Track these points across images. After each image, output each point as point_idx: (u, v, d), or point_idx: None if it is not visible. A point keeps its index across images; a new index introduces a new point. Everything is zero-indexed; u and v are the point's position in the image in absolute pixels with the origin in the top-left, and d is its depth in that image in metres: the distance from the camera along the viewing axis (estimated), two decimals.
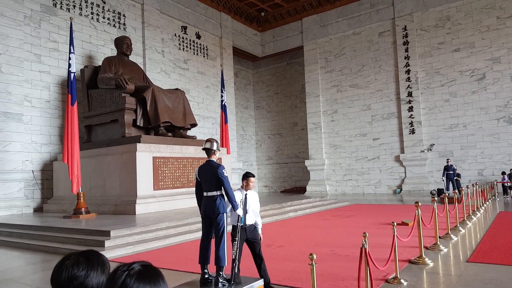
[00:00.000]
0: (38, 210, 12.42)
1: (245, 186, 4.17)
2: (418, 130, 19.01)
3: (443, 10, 18.78)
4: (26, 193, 12.31)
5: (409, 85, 19.33)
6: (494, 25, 17.58)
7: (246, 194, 4.13)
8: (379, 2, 20.32)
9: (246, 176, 4.15)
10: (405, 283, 4.37)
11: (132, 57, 14.56)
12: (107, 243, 6.88)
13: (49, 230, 8.21)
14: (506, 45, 17.28)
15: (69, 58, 10.40)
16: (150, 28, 17.00)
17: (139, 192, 10.25)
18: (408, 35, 19.45)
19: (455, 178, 16.04)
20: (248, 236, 4.12)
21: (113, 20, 15.62)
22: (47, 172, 12.81)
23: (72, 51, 10.44)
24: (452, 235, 7.10)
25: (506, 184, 15.25)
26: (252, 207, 4.16)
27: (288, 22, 23.51)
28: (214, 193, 4.19)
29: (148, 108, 11.59)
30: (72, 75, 10.28)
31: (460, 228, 7.93)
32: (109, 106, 12.01)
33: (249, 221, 4.12)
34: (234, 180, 18.83)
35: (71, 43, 10.53)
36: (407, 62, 19.42)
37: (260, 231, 4.30)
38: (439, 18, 18.87)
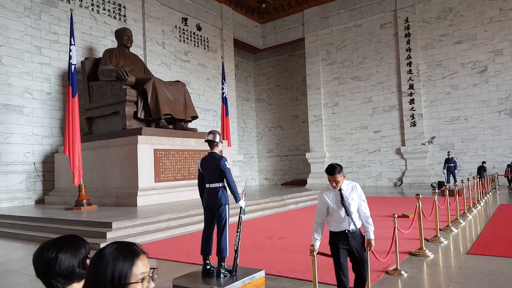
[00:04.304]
0: (40, 202, 12.48)
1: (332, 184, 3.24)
2: (419, 122, 18.98)
3: (445, 1, 18.61)
4: (28, 185, 12.35)
5: (410, 77, 19.24)
6: (496, 17, 17.43)
7: (341, 191, 3.19)
8: None
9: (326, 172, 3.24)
10: (405, 275, 4.40)
11: (132, 49, 14.49)
12: (109, 235, 6.92)
13: (51, 222, 8.26)
14: (508, 37, 17.16)
15: (70, 50, 10.36)
16: (150, 20, 16.89)
17: (141, 184, 10.28)
18: (410, 27, 19.31)
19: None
20: (353, 247, 3.17)
21: (114, 11, 15.52)
22: (48, 164, 12.84)
23: (72, 43, 10.39)
24: (452, 228, 7.14)
25: (509, 177, 15.29)
26: (353, 205, 3.21)
27: (289, 13, 23.33)
28: (217, 184, 4.20)
29: (149, 100, 11.57)
30: (72, 67, 10.25)
31: (460, 220, 7.96)
32: (110, 98, 11.98)
33: (352, 224, 3.19)
34: (234, 172, 18.89)
35: (72, 34, 10.47)
36: (409, 54, 19.31)
37: (371, 236, 3.28)
38: (441, 10, 18.71)
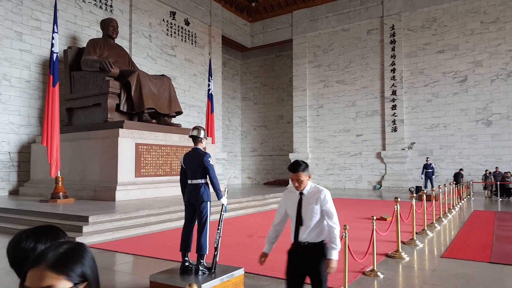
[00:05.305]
0: (14, 193, 12.11)
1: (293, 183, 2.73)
2: (400, 128, 19.36)
3: (430, 11, 19.04)
4: (2, 175, 11.96)
5: (393, 83, 19.61)
6: (478, 29, 17.96)
7: (301, 194, 2.69)
8: (369, 0, 20.44)
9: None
10: (381, 276, 4.48)
11: (118, 41, 14.22)
12: (85, 229, 6.78)
13: (25, 214, 8.03)
14: (488, 50, 17.71)
15: (52, 38, 10.07)
16: (138, 12, 16.63)
17: (120, 178, 10.10)
18: (395, 34, 19.67)
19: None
20: (304, 266, 2.65)
21: (100, 1, 15.19)
22: (24, 154, 12.47)
23: (55, 30, 10.11)
24: (428, 231, 7.31)
25: (485, 185, 15.80)
26: (311, 214, 2.64)
27: (278, 14, 23.39)
28: (199, 181, 4.16)
29: (132, 93, 11.39)
30: (54, 55, 9.97)
31: (436, 224, 8.17)
32: (92, 89, 11.73)
33: (305, 237, 2.65)
34: (217, 170, 18.74)
35: (55, 22, 10.19)
36: (393, 61, 19.66)
37: (333, 256, 2.59)
38: (426, 19, 19.13)
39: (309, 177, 2.72)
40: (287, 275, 2.70)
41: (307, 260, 2.62)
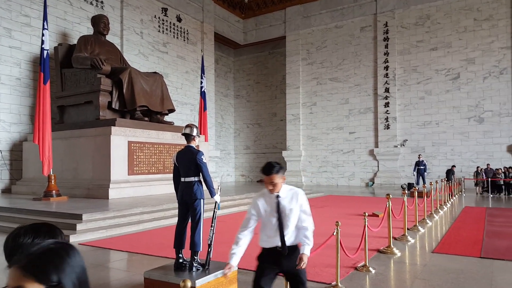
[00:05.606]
0: (6, 191, 12.00)
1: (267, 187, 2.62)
2: (393, 125, 19.50)
3: (423, 8, 19.16)
4: None
5: (386, 81, 19.72)
6: (471, 27, 18.11)
7: (278, 197, 2.57)
8: None
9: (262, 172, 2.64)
10: (373, 271, 4.52)
11: (109, 37, 14.10)
12: (79, 227, 6.75)
13: (18, 212, 7.97)
14: (480, 47, 17.87)
15: (42, 35, 9.96)
16: (129, 8, 16.49)
17: (113, 176, 10.06)
18: (388, 31, 19.76)
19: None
20: (285, 268, 2.56)
21: None
22: (16, 153, 12.34)
23: (45, 27, 9.99)
24: (419, 227, 7.39)
25: (476, 181, 15.98)
26: (292, 217, 2.56)
27: (271, 10, 23.37)
28: (192, 178, 4.17)
29: (124, 90, 11.31)
30: (45, 52, 9.86)
31: (427, 220, 8.26)
32: (83, 86, 11.63)
33: (290, 238, 2.58)
34: (210, 168, 18.72)
35: (45, 18, 10.06)
36: (386, 58, 19.77)
37: (306, 251, 2.53)
38: (419, 16, 19.25)
39: (284, 179, 2.58)
40: (257, 283, 2.52)
41: (290, 262, 2.52)
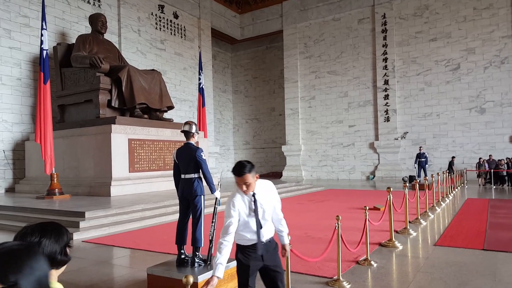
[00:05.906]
0: (10, 190, 12.08)
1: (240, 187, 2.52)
2: (393, 118, 19.45)
3: None
4: None
5: (386, 73, 19.65)
6: (470, 16, 17.97)
7: (254, 196, 2.51)
8: None
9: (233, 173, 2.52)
10: (375, 265, 4.54)
11: (107, 36, 14.07)
12: (82, 224, 6.79)
13: (22, 211, 8.03)
14: (481, 36, 17.74)
15: (41, 35, 9.98)
16: (126, 6, 16.43)
17: (114, 174, 10.09)
18: (387, 23, 19.65)
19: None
20: (266, 262, 2.55)
21: None
22: (18, 152, 12.39)
23: (44, 27, 9.99)
24: (421, 220, 7.40)
25: (478, 173, 15.92)
26: (267, 212, 2.56)
27: (268, 5, 23.24)
28: (192, 175, 4.19)
29: (123, 88, 11.31)
30: (44, 52, 9.87)
31: (429, 213, 8.26)
32: (83, 85, 11.63)
33: (266, 235, 2.57)
34: (210, 164, 18.79)
35: (43, 18, 10.06)
36: (385, 50, 19.68)
37: (286, 241, 2.74)
38: (418, 7, 19.12)
39: (257, 177, 2.50)
40: (246, 280, 2.50)
41: (271, 254, 2.55)
